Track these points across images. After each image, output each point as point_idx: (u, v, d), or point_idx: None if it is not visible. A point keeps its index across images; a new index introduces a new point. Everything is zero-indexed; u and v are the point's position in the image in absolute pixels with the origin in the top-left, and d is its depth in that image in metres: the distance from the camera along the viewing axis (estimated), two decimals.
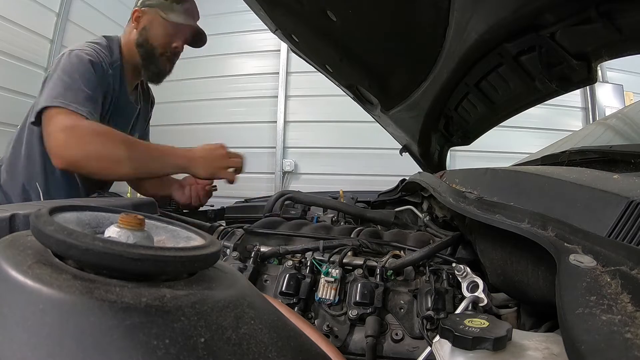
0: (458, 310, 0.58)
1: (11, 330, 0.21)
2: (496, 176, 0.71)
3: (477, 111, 1.28)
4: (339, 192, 1.42)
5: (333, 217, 1.12)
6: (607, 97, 3.60)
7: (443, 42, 0.94)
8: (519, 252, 0.50)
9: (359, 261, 0.77)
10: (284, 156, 3.90)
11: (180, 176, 1.27)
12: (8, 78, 2.85)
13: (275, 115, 3.93)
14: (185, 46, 1.30)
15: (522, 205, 0.47)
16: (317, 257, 0.77)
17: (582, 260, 0.31)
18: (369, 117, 1.60)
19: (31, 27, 3.00)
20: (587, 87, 3.26)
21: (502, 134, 3.14)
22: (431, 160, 1.67)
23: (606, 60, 0.86)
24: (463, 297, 0.61)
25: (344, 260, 0.76)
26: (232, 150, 1.14)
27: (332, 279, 0.72)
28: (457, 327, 0.31)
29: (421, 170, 1.63)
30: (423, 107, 1.27)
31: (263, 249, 0.82)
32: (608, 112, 3.33)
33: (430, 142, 1.55)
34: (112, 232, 0.28)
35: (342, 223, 1.09)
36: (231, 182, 1.14)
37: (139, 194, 1.41)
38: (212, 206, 1.58)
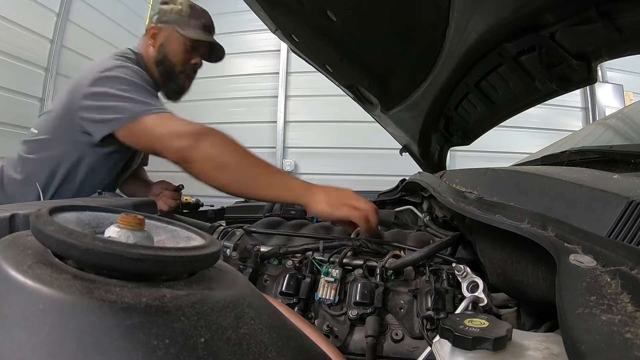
0: (458, 310, 0.58)
1: (11, 330, 0.21)
2: (496, 176, 0.71)
3: (477, 111, 1.28)
4: None
5: None
6: (607, 97, 3.59)
7: (443, 42, 0.94)
8: (519, 252, 0.50)
9: (359, 261, 0.77)
10: (284, 156, 3.90)
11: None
12: (8, 78, 2.84)
13: (275, 115, 3.93)
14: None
15: (522, 205, 0.47)
16: (317, 257, 0.78)
17: (582, 260, 0.31)
18: (369, 117, 1.60)
19: (31, 27, 3.00)
20: (587, 87, 3.26)
21: (502, 134, 3.14)
22: (431, 160, 1.67)
23: (606, 60, 0.86)
24: (463, 297, 0.61)
25: (344, 260, 0.76)
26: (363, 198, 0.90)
27: (332, 279, 0.72)
28: (457, 327, 0.31)
29: (421, 170, 1.63)
30: (423, 107, 1.27)
31: (263, 249, 0.82)
32: (608, 112, 3.33)
33: (430, 142, 1.55)
34: (112, 232, 0.28)
35: None
36: (357, 226, 0.85)
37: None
38: (212, 206, 1.58)
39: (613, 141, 1.04)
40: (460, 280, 0.65)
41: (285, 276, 0.73)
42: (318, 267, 0.76)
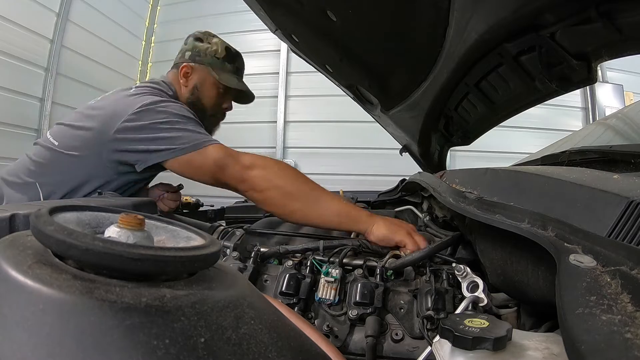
0: (458, 310, 0.58)
1: (11, 330, 0.21)
2: (496, 176, 0.71)
3: (477, 111, 1.28)
4: (339, 192, 1.42)
5: None
6: (607, 97, 3.60)
7: (443, 42, 0.94)
8: (519, 252, 0.50)
9: (359, 261, 0.77)
10: (284, 156, 3.90)
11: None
12: (8, 78, 2.85)
13: (275, 115, 3.93)
14: None
15: (522, 205, 0.47)
16: (317, 257, 0.78)
17: (582, 260, 0.31)
18: (369, 117, 1.60)
19: (31, 27, 3.00)
20: (587, 87, 3.26)
21: (502, 134, 3.14)
22: (431, 160, 1.67)
23: (606, 60, 0.86)
24: (463, 297, 0.61)
25: (344, 260, 0.76)
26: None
27: (332, 279, 0.72)
28: (457, 327, 0.31)
29: (421, 170, 1.63)
30: (423, 107, 1.27)
31: (263, 249, 0.82)
32: (608, 112, 3.33)
33: (430, 142, 1.55)
34: (112, 232, 0.28)
35: None
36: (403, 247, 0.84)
37: None
38: (212, 206, 1.58)
39: (613, 141, 1.04)
40: (460, 280, 0.65)
41: (285, 276, 0.73)
42: (318, 267, 0.76)
